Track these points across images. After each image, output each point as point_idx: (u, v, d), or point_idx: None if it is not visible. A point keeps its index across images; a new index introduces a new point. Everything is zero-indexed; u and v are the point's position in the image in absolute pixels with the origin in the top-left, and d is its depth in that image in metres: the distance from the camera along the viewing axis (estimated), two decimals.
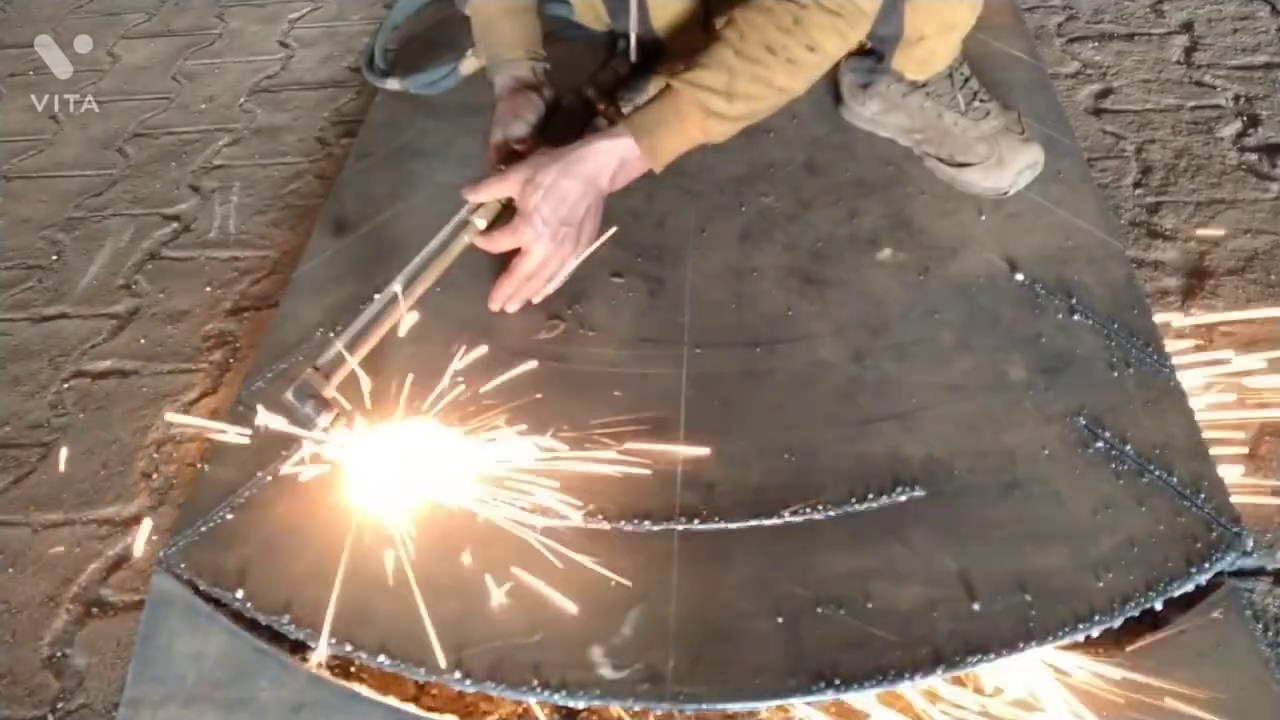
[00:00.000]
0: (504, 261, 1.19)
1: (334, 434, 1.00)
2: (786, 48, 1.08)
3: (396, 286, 1.06)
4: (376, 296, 1.08)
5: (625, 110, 1.29)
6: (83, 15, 2.30)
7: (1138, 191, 1.44)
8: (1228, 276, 1.29)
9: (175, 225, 1.60)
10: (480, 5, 1.30)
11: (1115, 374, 1.08)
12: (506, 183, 1.13)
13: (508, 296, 1.18)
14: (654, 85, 1.39)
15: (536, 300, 1.20)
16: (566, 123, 1.27)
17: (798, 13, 1.07)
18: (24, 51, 2.15)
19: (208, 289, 1.46)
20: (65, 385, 1.34)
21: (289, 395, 0.97)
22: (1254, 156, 1.48)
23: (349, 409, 1.02)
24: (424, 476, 1.02)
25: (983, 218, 1.30)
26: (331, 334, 1.21)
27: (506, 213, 1.17)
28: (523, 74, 1.28)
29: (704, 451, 1.04)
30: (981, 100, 1.34)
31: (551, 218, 1.12)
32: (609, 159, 1.12)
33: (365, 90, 1.81)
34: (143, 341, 1.39)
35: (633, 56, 1.34)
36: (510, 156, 1.21)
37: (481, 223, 1.15)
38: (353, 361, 1.02)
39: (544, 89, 1.29)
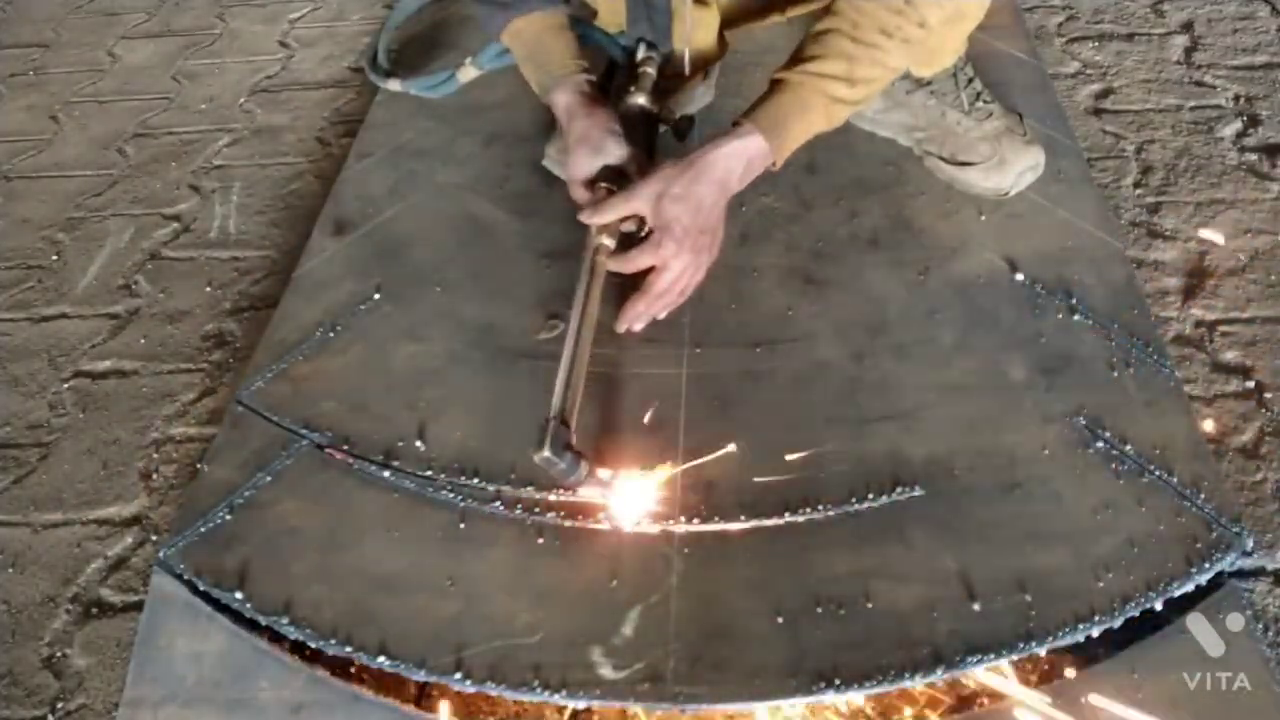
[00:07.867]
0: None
1: (593, 480, 0.98)
2: (900, 28, 1.08)
3: (572, 332, 1.03)
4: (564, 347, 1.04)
5: (677, 112, 1.29)
6: (83, 15, 2.30)
7: (1138, 191, 1.44)
8: (1228, 276, 1.29)
9: (175, 225, 1.60)
10: (521, 27, 1.27)
11: (1115, 374, 1.08)
12: (634, 200, 1.10)
13: (639, 315, 1.13)
14: (690, 87, 1.40)
15: (661, 316, 1.15)
16: (629, 130, 1.24)
17: None
18: (24, 51, 2.15)
19: (208, 289, 1.46)
20: (65, 385, 1.34)
21: (546, 453, 0.92)
22: (1254, 156, 1.48)
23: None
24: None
25: (983, 218, 1.30)
26: (328, 332, 1.21)
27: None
28: (583, 88, 1.26)
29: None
30: (985, 101, 1.33)
31: (691, 227, 1.09)
32: (738, 160, 1.10)
33: (365, 90, 1.81)
34: (143, 341, 1.39)
35: (686, 69, 1.33)
36: (606, 174, 1.18)
37: (611, 243, 1.12)
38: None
39: (605, 100, 1.27)
